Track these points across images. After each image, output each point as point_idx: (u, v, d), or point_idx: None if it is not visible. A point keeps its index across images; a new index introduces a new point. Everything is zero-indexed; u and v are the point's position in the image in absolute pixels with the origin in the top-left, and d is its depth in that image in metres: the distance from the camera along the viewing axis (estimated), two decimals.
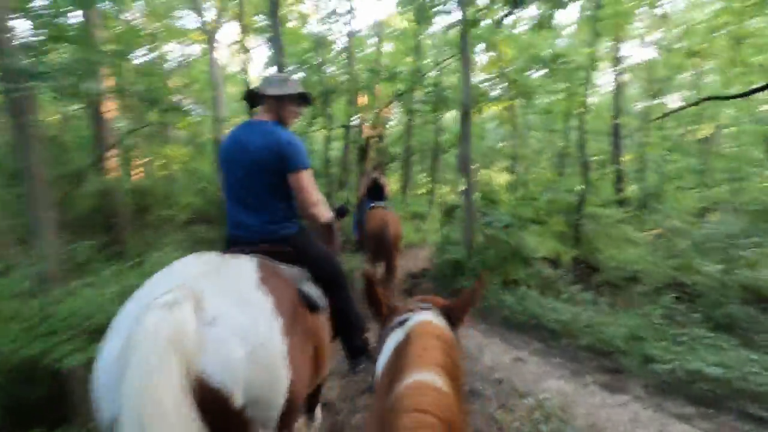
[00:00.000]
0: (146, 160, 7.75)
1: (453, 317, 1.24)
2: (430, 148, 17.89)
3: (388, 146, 13.15)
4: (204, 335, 1.22)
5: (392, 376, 0.93)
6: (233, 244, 1.98)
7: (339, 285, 2.04)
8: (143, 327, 1.12)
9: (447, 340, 1.08)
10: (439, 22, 10.14)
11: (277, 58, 6.12)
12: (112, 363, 1.18)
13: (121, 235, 7.19)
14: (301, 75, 9.91)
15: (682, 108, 10.53)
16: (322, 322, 1.93)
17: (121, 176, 7.14)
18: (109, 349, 1.24)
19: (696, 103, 9.21)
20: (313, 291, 1.91)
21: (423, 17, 7.89)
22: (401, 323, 1.16)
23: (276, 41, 6.17)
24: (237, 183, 1.97)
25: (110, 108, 7.03)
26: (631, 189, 12.14)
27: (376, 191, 5.61)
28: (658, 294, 5.29)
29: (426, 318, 1.15)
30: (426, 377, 0.86)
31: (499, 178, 32.32)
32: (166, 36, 22.66)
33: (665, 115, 10.16)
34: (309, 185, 1.99)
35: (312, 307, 1.83)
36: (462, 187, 6.60)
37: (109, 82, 7.16)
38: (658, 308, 4.67)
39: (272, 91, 2.03)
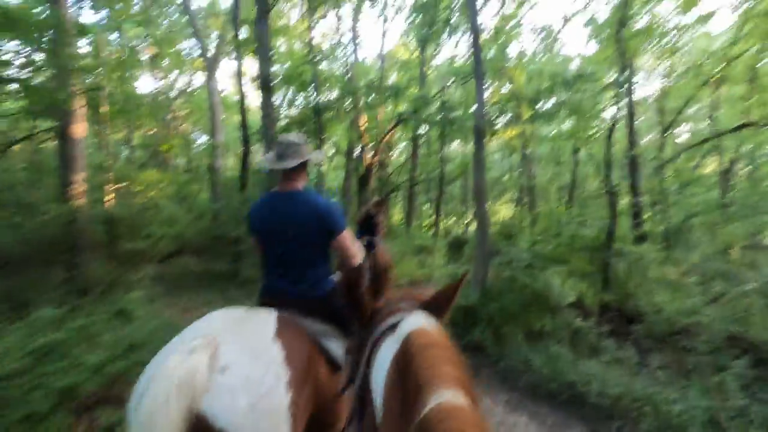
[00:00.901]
0: (121, 185, 6.97)
1: (436, 313, 1.13)
2: (435, 178, 17.21)
3: (390, 175, 12.40)
4: (213, 381, 1.34)
5: (406, 396, 0.82)
6: (268, 302, 2.06)
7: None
8: (163, 368, 1.28)
9: (451, 347, 0.96)
10: (446, 46, 9.62)
11: (265, 68, 5.44)
12: (137, 397, 1.34)
13: (86, 269, 6.29)
14: (289, 95, 9.35)
15: (708, 139, 9.76)
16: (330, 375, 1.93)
17: (86, 203, 6.28)
18: (139, 384, 1.40)
19: (722, 134, 8.46)
20: (337, 349, 1.98)
21: (430, 37, 7.28)
22: (392, 328, 1.05)
23: (263, 51, 5.52)
24: (276, 250, 2.07)
25: (80, 128, 6.30)
26: (651, 224, 11.25)
27: (367, 226, 4.97)
28: (717, 353, 4.31)
29: (421, 322, 1.02)
30: (452, 398, 0.75)
31: (505, 211, 31.58)
32: (172, 65, 22.76)
33: (692, 146, 9.38)
34: (350, 243, 2.11)
35: (334, 365, 1.93)
36: (474, 220, 5.72)
37: (81, 102, 6.46)
38: (730, 376, 3.67)
39: (291, 163, 2.07)
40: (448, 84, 10.41)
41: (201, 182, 12.71)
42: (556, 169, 17.69)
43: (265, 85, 6.56)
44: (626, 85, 6.69)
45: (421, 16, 10.72)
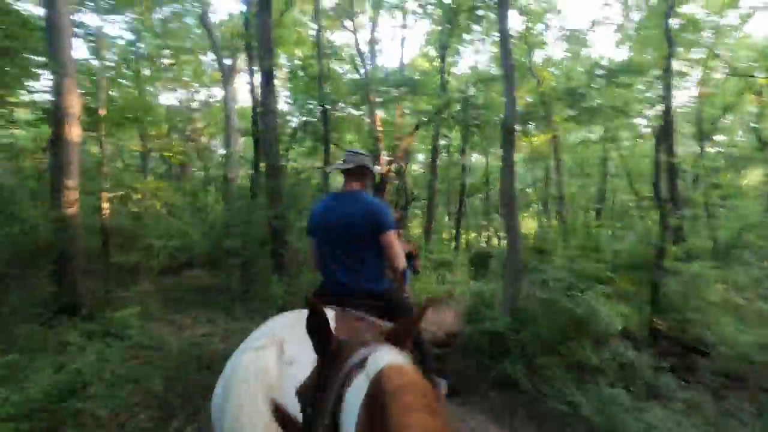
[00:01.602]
0: (118, 193, 6.53)
1: (399, 345, 1.03)
2: (456, 189, 16.48)
3: (408, 185, 11.70)
4: (283, 373, 1.47)
5: None
6: (329, 295, 2.13)
7: (420, 338, 2.23)
8: (239, 366, 1.44)
9: (429, 391, 0.86)
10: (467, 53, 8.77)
11: (266, 61, 4.91)
12: (219, 394, 1.56)
13: (75, 283, 5.81)
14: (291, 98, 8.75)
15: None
16: None
17: (78, 211, 5.82)
18: (219, 384, 1.62)
19: None
20: None
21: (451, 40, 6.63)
22: (360, 365, 0.94)
23: (264, 42, 5.00)
24: (334, 246, 2.23)
25: (75, 131, 5.89)
26: (695, 239, 10.18)
27: None
28: None
29: (393, 359, 0.91)
30: None
31: (530, 224, 30.44)
32: (193, 78, 22.96)
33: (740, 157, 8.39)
34: (395, 242, 2.26)
35: None
36: (499, 233, 5.00)
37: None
38: None
39: (349, 165, 2.31)
40: (471, 87, 9.71)
41: (213, 192, 12.33)
42: (583, 180, 16.71)
43: (266, 77, 6.05)
44: (668, 84, 5.88)
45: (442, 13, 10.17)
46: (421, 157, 22.49)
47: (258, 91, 8.79)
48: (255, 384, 1.36)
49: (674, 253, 5.98)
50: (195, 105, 22.05)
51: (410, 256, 5.53)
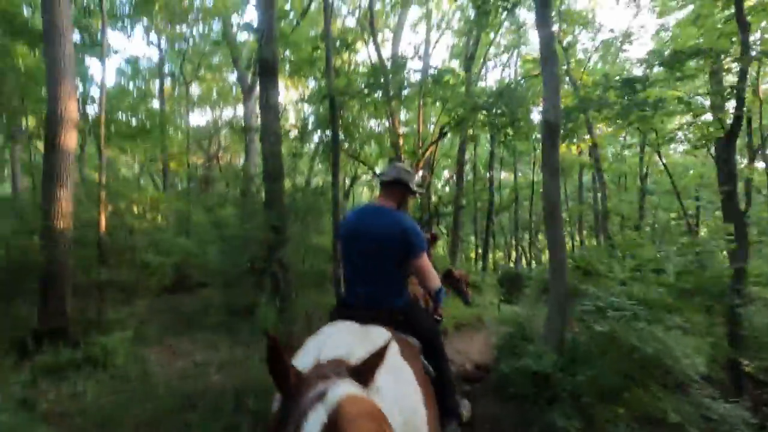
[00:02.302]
0: (116, 205, 6.07)
1: (362, 379, 1.09)
2: (483, 207, 15.57)
3: (434, 197, 10.88)
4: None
5: None
6: (349, 308, 2.13)
7: (440, 351, 2.21)
8: None
9: (381, 416, 0.92)
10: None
11: (267, 49, 4.34)
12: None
13: (63, 305, 5.28)
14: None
15: None
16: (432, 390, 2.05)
17: (70, 225, 5.34)
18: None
19: None
20: (426, 361, 2.10)
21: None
22: (319, 397, 0.95)
23: (266, 29, 4.45)
24: (359, 259, 2.19)
25: (71, 137, 5.48)
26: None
27: None
28: None
29: (349, 391, 0.95)
30: None
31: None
32: (219, 98, 23.28)
33: None
34: (428, 265, 2.25)
35: (429, 375, 2.05)
36: (531, 252, 4.17)
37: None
38: None
39: (389, 177, 2.30)
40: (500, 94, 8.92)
41: (230, 207, 11.92)
42: (622, 195, 15.43)
43: (266, 68, 5.48)
44: (743, 73, 4.95)
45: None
46: (445, 173, 21.76)
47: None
48: None
49: (753, 274, 4.95)
50: (220, 124, 22.32)
51: (458, 284, 5.64)
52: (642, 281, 4.88)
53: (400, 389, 1.46)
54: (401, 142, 8.31)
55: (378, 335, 1.72)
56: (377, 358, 1.13)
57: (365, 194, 23.23)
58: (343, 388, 0.94)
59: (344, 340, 1.57)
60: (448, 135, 8.55)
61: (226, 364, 5.38)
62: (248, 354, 5.57)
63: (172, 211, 7.01)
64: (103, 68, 6.35)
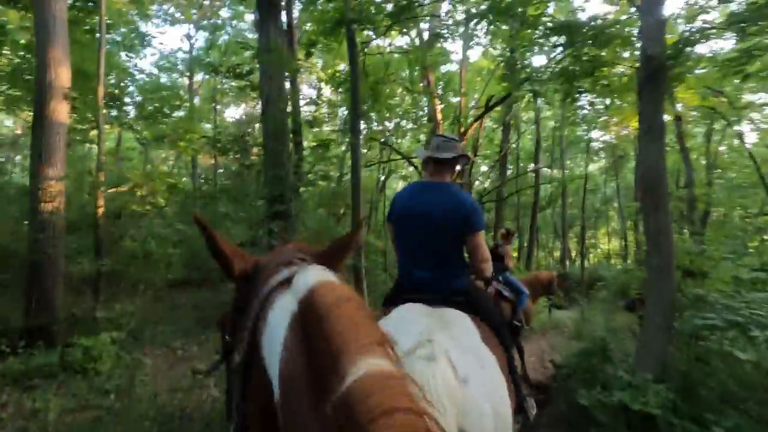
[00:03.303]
0: (122, 188, 5.39)
1: (331, 267, 0.90)
2: (528, 200, 14.20)
3: (477, 185, 9.63)
4: (462, 392, 1.28)
5: (317, 366, 0.63)
6: (408, 292, 1.97)
7: (503, 331, 2.01)
8: (415, 375, 1.08)
9: (362, 302, 0.74)
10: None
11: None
12: None
13: (51, 301, 4.62)
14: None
15: None
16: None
17: (61, 208, 4.69)
18: None
19: None
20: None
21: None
22: (283, 283, 0.83)
23: None
24: (416, 239, 2.04)
25: (61, 108, 4.82)
26: None
27: (494, 260, 4.41)
28: None
29: (323, 276, 0.78)
30: (378, 366, 0.58)
31: (611, 243, 26.66)
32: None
33: None
34: (483, 244, 2.10)
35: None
36: (646, 241, 3.05)
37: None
38: None
39: (445, 154, 2.10)
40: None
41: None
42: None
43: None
44: None
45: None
46: (482, 168, 20.32)
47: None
48: (445, 401, 1.13)
49: None
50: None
51: (549, 287, 5.72)
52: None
53: (484, 378, 1.38)
54: (439, 117, 7.19)
55: (455, 317, 1.67)
56: (344, 244, 1.02)
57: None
58: (315, 273, 0.77)
59: (420, 322, 1.50)
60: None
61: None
62: None
63: (181, 195, 6.27)
64: (101, 35, 5.49)
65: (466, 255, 2.11)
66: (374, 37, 5.74)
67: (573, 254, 24.78)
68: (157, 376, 4.30)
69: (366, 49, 6.13)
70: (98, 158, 5.22)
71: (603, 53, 3.66)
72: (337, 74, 7.31)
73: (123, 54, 12.15)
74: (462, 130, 6.94)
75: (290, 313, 0.74)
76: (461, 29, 6.10)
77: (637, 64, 3.32)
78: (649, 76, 2.96)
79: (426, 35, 7.68)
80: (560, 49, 3.99)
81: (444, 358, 1.26)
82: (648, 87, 2.99)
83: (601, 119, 10.52)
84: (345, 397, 0.55)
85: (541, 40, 4.43)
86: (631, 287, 5.12)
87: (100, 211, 5.16)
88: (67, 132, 5.02)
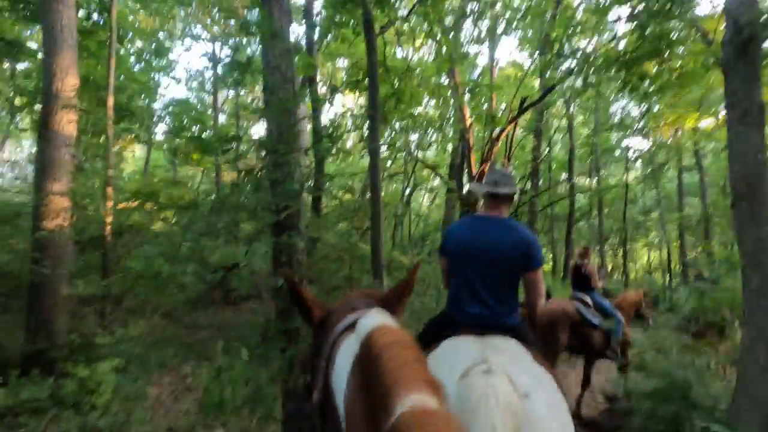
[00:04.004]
0: (131, 203, 5.11)
1: (391, 310, 1.03)
2: (564, 209, 13.37)
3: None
4: (525, 407, 1.25)
5: (372, 401, 0.72)
6: (458, 326, 1.93)
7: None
8: (471, 391, 1.20)
9: (414, 345, 0.83)
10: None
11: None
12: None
13: (51, 325, 4.31)
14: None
15: None
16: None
17: (66, 225, 4.41)
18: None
19: None
20: None
21: None
22: (350, 327, 0.94)
23: None
24: (473, 274, 2.01)
25: (67, 119, 4.58)
26: None
27: (579, 281, 4.68)
28: None
29: (381, 320, 0.88)
30: (423, 401, 0.65)
31: (651, 255, 25.15)
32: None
33: None
34: (542, 280, 2.11)
35: None
36: (741, 258, 2.42)
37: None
38: None
39: (504, 190, 2.09)
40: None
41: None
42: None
43: None
44: None
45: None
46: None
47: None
48: (506, 415, 1.12)
49: None
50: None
51: (639, 307, 5.17)
52: None
53: (548, 396, 1.34)
54: (468, 123, 6.63)
55: (504, 342, 1.67)
56: (404, 287, 1.11)
57: (424, 204, 21.57)
58: (374, 318, 0.89)
59: (472, 347, 1.51)
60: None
61: (246, 405, 4.10)
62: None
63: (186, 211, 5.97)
64: (110, 40, 5.32)
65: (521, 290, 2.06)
66: (391, 20, 5.22)
67: (609, 268, 23.49)
68: (158, 411, 3.87)
69: (385, 34, 5.59)
70: (105, 172, 4.96)
71: (677, 26, 3.07)
72: (357, 66, 6.80)
73: (152, 73, 12.29)
74: (496, 131, 6.35)
75: (353, 355, 0.84)
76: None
77: (718, 39, 2.72)
78: (740, 49, 2.36)
79: (452, 35, 7.22)
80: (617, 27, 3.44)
81: (503, 374, 1.26)
82: (739, 63, 2.39)
83: (642, 122, 9.74)
84: (394, 429, 0.60)
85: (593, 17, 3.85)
86: (708, 311, 4.37)
87: (108, 228, 4.86)
88: (74, 145, 4.78)
